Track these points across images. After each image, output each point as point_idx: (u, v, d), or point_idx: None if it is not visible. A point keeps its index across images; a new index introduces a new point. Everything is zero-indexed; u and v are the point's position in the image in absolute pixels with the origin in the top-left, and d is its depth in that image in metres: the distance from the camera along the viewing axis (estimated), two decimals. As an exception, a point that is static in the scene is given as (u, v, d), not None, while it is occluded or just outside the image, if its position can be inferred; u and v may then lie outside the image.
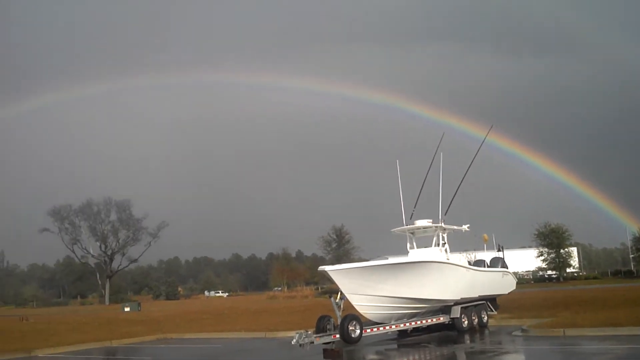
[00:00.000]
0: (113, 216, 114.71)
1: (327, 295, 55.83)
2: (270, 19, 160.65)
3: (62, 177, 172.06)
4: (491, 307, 27.73)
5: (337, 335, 20.38)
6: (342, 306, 21.34)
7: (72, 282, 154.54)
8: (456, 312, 24.95)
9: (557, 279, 78.73)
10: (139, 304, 74.80)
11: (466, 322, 25.25)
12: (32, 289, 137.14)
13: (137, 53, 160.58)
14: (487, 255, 29.96)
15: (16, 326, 41.33)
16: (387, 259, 25.03)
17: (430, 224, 25.62)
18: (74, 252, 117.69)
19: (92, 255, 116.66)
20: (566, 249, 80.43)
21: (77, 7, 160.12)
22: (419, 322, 24.02)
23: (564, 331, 22.13)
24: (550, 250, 79.28)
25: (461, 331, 24.95)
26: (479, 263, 28.58)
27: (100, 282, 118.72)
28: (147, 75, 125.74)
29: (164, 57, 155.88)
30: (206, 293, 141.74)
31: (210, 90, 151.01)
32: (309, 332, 20.13)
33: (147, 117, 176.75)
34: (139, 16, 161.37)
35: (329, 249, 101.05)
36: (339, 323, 20.62)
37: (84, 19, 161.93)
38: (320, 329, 21.04)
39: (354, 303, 21.48)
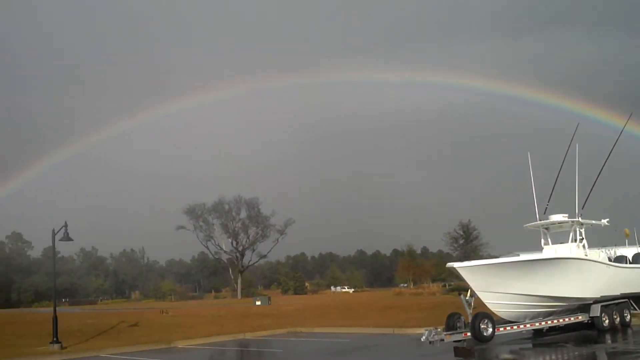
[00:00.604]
0: (243, 214, 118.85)
1: (455, 293, 54.85)
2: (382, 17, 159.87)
3: (196, 178, 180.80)
4: (635, 305, 26.25)
5: (468, 333, 19.97)
6: (472, 304, 20.86)
7: (207, 276, 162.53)
8: (596, 310, 23.75)
9: None
10: (269, 298, 76.90)
11: (607, 321, 23.99)
12: (170, 283, 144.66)
13: (263, 58, 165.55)
14: (629, 251, 28.19)
15: (157, 319, 43.78)
16: (519, 255, 24.14)
17: (567, 219, 24.51)
18: (207, 248, 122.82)
19: (225, 251, 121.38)
20: None
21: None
22: (555, 321, 23.09)
23: None
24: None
25: (601, 331, 23.77)
26: (621, 259, 26.97)
27: (232, 277, 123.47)
28: (274, 78, 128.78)
29: (286, 59, 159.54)
30: (332, 288, 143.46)
31: (335, 90, 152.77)
32: (439, 330, 19.83)
33: (273, 117, 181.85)
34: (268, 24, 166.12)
35: (455, 245, 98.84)
36: (469, 321, 20.18)
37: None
38: (450, 326, 20.70)
39: (485, 301, 20.95)
